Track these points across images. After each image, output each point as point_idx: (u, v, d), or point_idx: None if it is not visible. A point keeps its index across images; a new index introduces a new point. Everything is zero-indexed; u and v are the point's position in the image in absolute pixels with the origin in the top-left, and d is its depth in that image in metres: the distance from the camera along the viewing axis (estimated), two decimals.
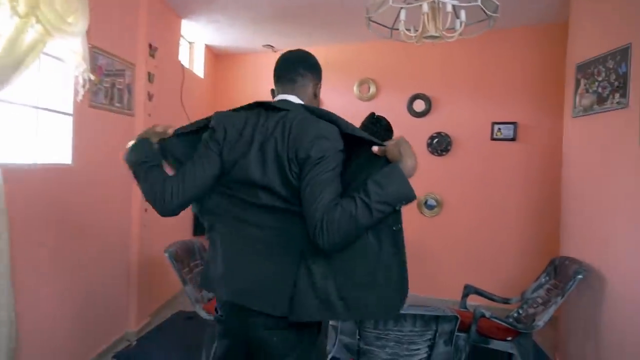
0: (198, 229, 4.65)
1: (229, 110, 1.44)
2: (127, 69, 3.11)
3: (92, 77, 2.47)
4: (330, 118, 1.30)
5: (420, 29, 1.92)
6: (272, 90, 1.52)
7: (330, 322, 2.16)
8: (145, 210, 3.42)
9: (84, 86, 2.44)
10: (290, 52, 1.49)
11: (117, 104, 3.02)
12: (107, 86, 2.87)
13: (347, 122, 1.30)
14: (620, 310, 2.39)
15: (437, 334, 1.74)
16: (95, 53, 2.68)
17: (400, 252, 1.25)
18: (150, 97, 3.41)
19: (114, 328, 3.18)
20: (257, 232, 1.32)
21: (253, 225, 1.33)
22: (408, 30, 1.98)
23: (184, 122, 4.01)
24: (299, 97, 1.41)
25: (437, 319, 1.68)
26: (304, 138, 1.23)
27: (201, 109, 4.82)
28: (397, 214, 1.22)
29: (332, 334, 2.07)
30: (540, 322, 2.52)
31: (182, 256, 2.79)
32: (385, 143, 1.25)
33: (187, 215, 4.51)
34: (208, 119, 1.45)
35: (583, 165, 2.86)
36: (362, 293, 1.24)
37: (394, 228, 1.23)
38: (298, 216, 1.24)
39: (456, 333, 2.66)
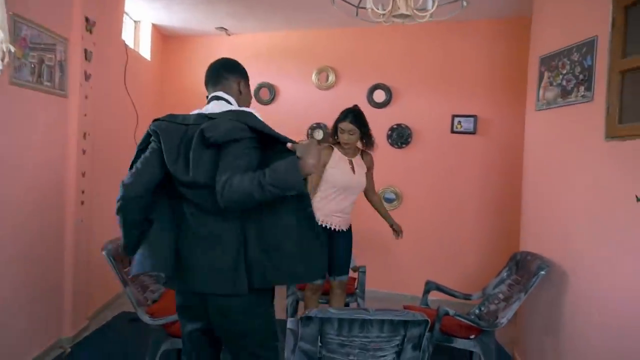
0: None
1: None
2: (58, 43, 2.75)
3: (13, 49, 2.13)
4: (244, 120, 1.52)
5: (390, 6, 1.75)
6: (207, 96, 1.74)
7: (289, 326, 1.98)
8: (82, 203, 3.08)
9: (2, 59, 2.09)
10: (213, 62, 1.79)
11: (47, 83, 2.66)
12: (33, 62, 2.52)
13: (264, 124, 1.55)
14: (581, 306, 2.37)
15: (406, 339, 1.60)
16: (17, 22, 2.32)
17: (314, 226, 1.57)
18: (87, 77, 3.05)
19: (45, 334, 2.84)
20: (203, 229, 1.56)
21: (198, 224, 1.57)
22: (376, 8, 1.80)
23: (127, 105, 3.68)
24: (225, 92, 1.69)
25: (405, 323, 1.54)
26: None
27: (148, 93, 4.46)
28: (306, 198, 1.53)
29: (291, 339, 1.89)
30: (504, 319, 2.45)
31: (123, 254, 2.50)
32: (298, 141, 1.49)
33: None
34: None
35: (544, 159, 2.83)
36: (292, 261, 1.52)
37: (308, 210, 1.53)
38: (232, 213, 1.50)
39: (427, 319, 2.56)
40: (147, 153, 1.60)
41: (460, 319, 2.46)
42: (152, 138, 1.62)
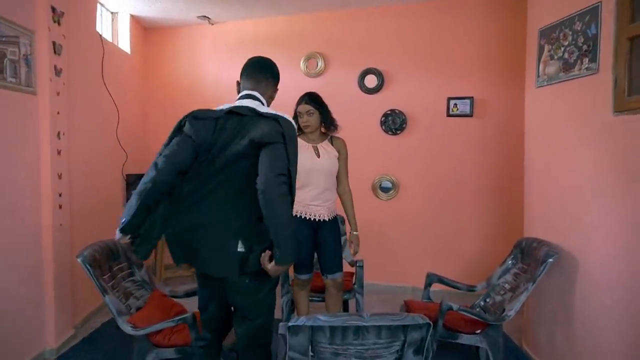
0: None
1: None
2: (21, 35, 2.56)
3: None
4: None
5: None
6: (238, 83, 1.86)
7: (280, 331, 1.82)
8: (60, 207, 2.90)
9: None
10: (262, 58, 1.89)
11: (11, 79, 2.47)
12: None
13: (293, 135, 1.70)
14: (592, 294, 2.21)
15: (406, 344, 1.44)
16: None
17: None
18: (57, 71, 2.86)
19: (27, 347, 2.68)
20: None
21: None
22: None
23: (106, 102, 3.50)
24: (261, 93, 1.80)
25: (405, 328, 1.38)
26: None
27: (129, 88, 4.26)
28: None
29: (282, 346, 1.73)
30: (511, 311, 2.30)
31: (101, 260, 2.33)
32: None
33: (118, 209, 3.99)
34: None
35: (548, 139, 2.66)
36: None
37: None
38: None
39: (429, 322, 2.41)
40: (180, 140, 1.70)
41: (465, 313, 2.31)
42: (186, 127, 1.71)
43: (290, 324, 1.39)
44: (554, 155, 2.58)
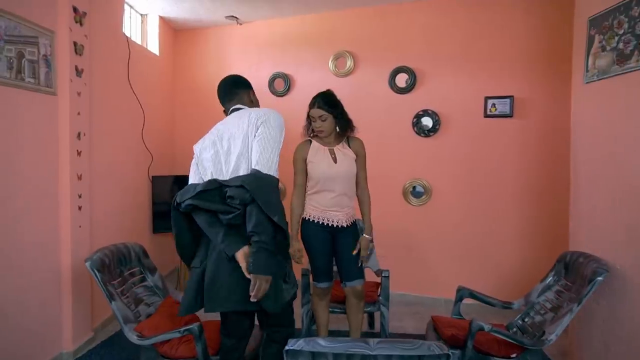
0: (158, 226, 4.11)
1: None
2: (41, 36, 2.53)
3: None
4: None
5: None
6: (224, 111, 2.00)
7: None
8: (79, 208, 2.88)
9: None
10: (227, 78, 2.03)
11: (29, 79, 2.45)
12: (10, 55, 2.30)
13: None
14: None
15: None
16: None
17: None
18: (79, 72, 2.84)
19: (42, 350, 2.65)
20: None
21: None
22: None
23: (132, 103, 3.46)
24: (240, 104, 1.93)
25: (420, 358, 1.18)
26: None
27: (157, 90, 4.25)
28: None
29: None
30: (552, 335, 2.03)
31: (112, 264, 2.26)
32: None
33: (143, 211, 3.98)
34: None
35: (598, 141, 2.36)
36: None
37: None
38: None
39: (448, 352, 2.18)
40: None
41: (499, 335, 2.06)
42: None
43: (288, 347, 1.22)
44: (605, 158, 2.29)
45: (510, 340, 2.06)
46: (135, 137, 3.80)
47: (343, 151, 2.50)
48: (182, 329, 2.00)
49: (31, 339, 2.55)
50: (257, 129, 1.74)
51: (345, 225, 2.48)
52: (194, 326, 1.98)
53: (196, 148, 1.90)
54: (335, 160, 2.46)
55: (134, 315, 2.22)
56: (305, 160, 2.49)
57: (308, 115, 2.52)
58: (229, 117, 1.89)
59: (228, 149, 1.79)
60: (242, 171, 1.75)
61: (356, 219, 2.61)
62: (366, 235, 2.51)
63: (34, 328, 2.57)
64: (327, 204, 2.46)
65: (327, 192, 2.46)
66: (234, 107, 1.91)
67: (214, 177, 1.79)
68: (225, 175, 1.78)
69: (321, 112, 2.41)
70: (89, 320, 3.03)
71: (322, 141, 2.51)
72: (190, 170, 1.91)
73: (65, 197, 2.77)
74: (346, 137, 2.55)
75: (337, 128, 2.49)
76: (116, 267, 2.30)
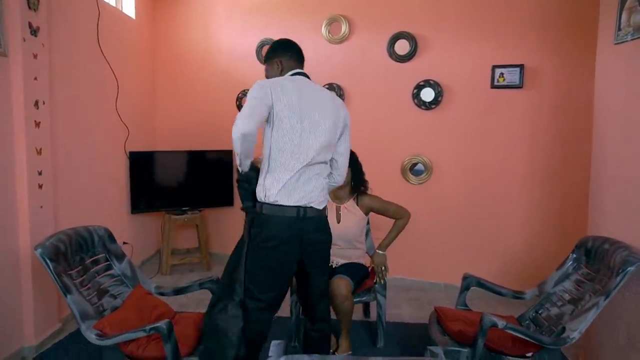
0: (137, 206, 3.80)
1: None
2: None
3: None
4: None
5: None
6: (280, 62, 1.90)
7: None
8: (40, 186, 2.55)
9: None
10: (293, 41, 1.96)
11: None
12: None
13: None
14: None
15: None
16: None
17: None
18: (34, 30, 2.47)
19: (1, 345, 2.36)
20: None
21: None
22: None
23: (103, 70, 3.09)
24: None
25: None
26: None
27: (133, 57, 3.87)
28: None
29: None
30: (575, 333, 1.78)
31: (69, 251, 1.96)
32: None
33: (119, 189, 3.66)
34: None
35: (627, 112, 2.06)
36: None
37: None
38: None
39: (457, 348, 1.92)
40: None
41: (514, 332, 1.80)
42: None
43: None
44: (636, 134, 1.99)
45: (528, 339, 1.80)
46: (107, 109, 3.44)
47: (350, 210, 2.59)
48: (148, 327, 1.72)
49: None
50: (343, 131, 1.91)
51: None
52: (162, 324, 1.70)
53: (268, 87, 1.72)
54: (338, 221, 2.57)
55: (96, 310, 1.93)
56: None
57: None
58: (310, 83, 1.85)
59: (316, 122, 1.77)
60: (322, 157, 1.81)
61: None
62: (380, 252, 2.57)
63: None
64: (338, 254, 2.58)
65: (333, 245, 2.40)
66: (302, 72, 1.88)
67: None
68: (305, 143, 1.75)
69: None
70: (55, 310, 2.74)
71: (334, 195, 2.61)
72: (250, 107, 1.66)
73: (22, 174, 2.44)
74: (356, 195, 2.62)
75: (352, 184, 2.58)
76: (75, 254, 2.00)
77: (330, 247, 1.97)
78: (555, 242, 3.21)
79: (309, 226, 1.78)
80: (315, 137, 1.75)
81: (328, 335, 2.04)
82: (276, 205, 1.73)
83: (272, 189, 1.73)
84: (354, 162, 2.55)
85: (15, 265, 2.46)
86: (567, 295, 2.08)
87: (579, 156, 3.15)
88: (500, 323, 1.79)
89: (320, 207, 1.82)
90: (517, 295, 2.31)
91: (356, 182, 2.59)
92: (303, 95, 1.74)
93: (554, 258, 2.52)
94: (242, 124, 1.59)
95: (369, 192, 2.65)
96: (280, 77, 1.82)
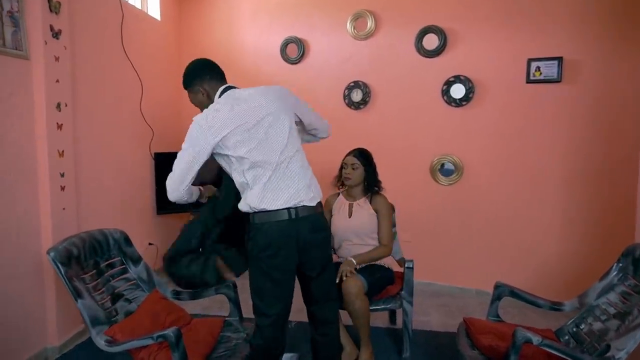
0: (163, 207, 3.80)
1: None
2: None
3: None
4: None
5: None
6: (203, 91, 1.87)
7: None
8: (62, 188, 2.57)
9: None
10: (209, 60, 1.96)
11: None
12: None
13: None
14: None
15: None
16: None
17: None
18: (56, 33, 2.48)
19: (23, 346, 2.39)
20: None
21: None
22: None
23: (127, 72, 3.08)
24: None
25: None
26: None
27: (158, 58, 3.88)
28: None
29: None
30: (622, 353, 1.59)
31: (82, 255, 1.93)
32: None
33: (144, 191, 3.67)
34: None
35: None
36: None
37: None
38: None
39: None
40: None
41: (552, 350, 1.63)
42: None
43: None
44: None
45: (567, 358, 1.63)
46: (132, 110, 3.45)
47: (362, 206, 2.56)
48: (156, 334, 1.66)
49: (11, 334, 2.30)
50: (297, 108, 1.89)
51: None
52: (169, 332, 1.63)
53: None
54: (350, 215, 2.55)
55: (108, 315, 1.89)
56: (331, 211, 2.64)
57: (341, 164, 2.61)
58: (242, 91, 1.81)
59: (269, 124, 1.76)
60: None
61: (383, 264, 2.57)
62: (351, 259, 2.40)
63: (14, 322, 2.32)
64: (346, 255, 2.51)
65: (344, 245, 2.56)
66: (228, 86, 1.86)
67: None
68: None
69: (355, 160, 2.54)
70: (78, 312, 2.74)
71: (347, 193, 2.63)
72: None
73: (44, 176, 2.46)
74: (370, 195, 2.59)
75: (365, 182, 2.57)
76: (89, 257, 1.97)
77: (329, 243, 1.94)
78: (597, 250, 2.98)
79: (304, 227, 1.72)
80: (276, 134, 1.72)
81: (335, 339, 1.98)
82: (264, 212, 1.68)
83: (254, 199, 1.68)
84: (369, 162, 2.56)
85: (38, 267, 2.48)
86: (612, 308, 1.89)
87: (624, 156, 2.90)
88: (535, 339, 1.63)
89: (313, 204, 1.76)
90: (556, 307, 2.12)
91: (369, 181, 2.57)
92: (242, 109, 1.69)
93: (596, 267, 2.32)
94: (171, 191, 1.76)
95: (382, 192, 2.62)
96: (212, 107, 1.74)
